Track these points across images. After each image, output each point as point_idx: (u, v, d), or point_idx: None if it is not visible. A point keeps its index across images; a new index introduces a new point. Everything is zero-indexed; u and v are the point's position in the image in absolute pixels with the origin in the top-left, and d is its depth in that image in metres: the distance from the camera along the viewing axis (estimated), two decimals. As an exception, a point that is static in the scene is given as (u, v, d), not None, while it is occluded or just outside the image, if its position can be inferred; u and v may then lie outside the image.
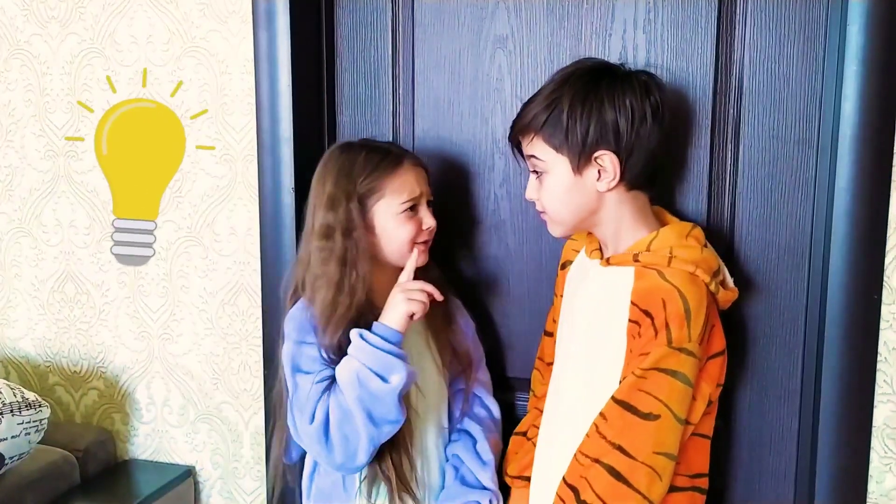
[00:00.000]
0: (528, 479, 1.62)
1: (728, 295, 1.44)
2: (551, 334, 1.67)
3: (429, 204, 1.61)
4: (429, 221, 1.58)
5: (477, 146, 1.79)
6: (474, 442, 1.66)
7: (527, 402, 1.78)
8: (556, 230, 1.49)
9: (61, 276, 2.06)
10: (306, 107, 1.83)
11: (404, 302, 1.48)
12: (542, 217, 1.50)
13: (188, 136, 1.90)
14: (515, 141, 1.51)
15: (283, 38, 1.77)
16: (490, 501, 1.61)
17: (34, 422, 1.73)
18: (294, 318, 1.56)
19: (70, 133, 1.99)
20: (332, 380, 1.50)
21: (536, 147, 1.44)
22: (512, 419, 1.77)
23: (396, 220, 1.55)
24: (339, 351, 1.50)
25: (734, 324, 1.64)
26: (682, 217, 1.56)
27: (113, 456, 2.05)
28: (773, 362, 1.66)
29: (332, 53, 1.86)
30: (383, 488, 1.56)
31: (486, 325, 1.83)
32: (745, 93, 1.62)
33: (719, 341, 1.42)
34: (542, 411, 1.61)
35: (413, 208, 1.56)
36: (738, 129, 1.63)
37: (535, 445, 1.62)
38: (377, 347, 1.44)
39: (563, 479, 1.40)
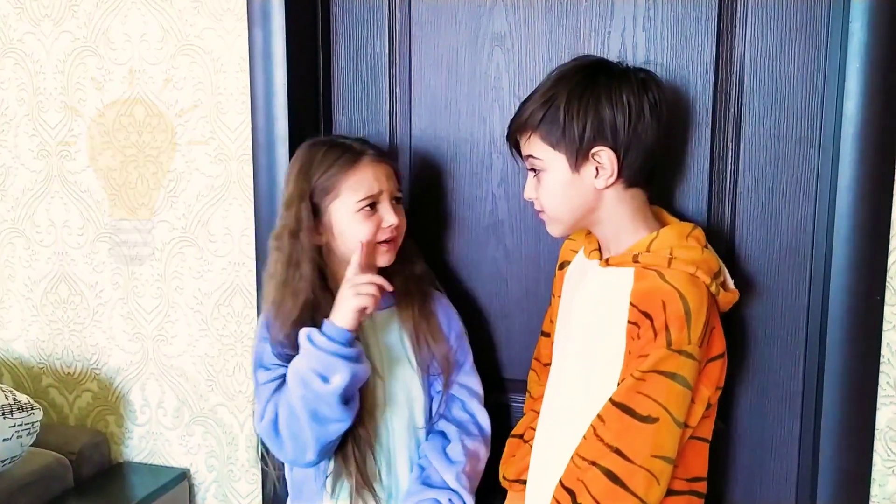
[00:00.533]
0: (525, 482, 1.60)
1: (729, 297, 1.42)
2: (548, 335, 1.65)
3: (397, 201, 1.57)
4: (390, 219, 1.53)
5: (475, 145, 1.77)
6: (446, 443, 1.62)
7: (523, 403, 1.75)
8: (554, 229, 1.47)
9: (55, 277, 2.04)
10: (302, 105, 1.81)
11: (353, 297, 1.45)
12: (540, 216, 1.48)
13: (182, 135, 1.88)
14: (513, 140, 1.49)
15: (278, 35, 1.75)
16: (450, 501, 1.56)
17: (26, 425, 1.71)
18: (263, 315, 1.57)
19: (63, 132, 1.97)
20: (283, 380, 1.49)
21: (534, 145, 1.42)
22: (509, 422, 1.75)
23: (354, 219, 1.52)
24: (295, 347, 1.49)
25: (735, 325, 1.62)
26: (683, 217, 1.54)
27: (107, 458, 2.03)
28: (774, 364, 1.64)
29: (328, 51, 1.84)
30: (347, 485, 1.54)
31: (484, 325, 1.81)
32: (745, 91, 1.60)
33: (719, 344, 1.39)
34: (538, 413, 1.59)
35: (373, 206, 1.53)
36: (739, 128, 1.61)
37: (531, 448, 1.60)
38: (319, 348, 1.42)
39: (560, 481, 1.38)
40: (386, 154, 1.60)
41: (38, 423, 1.76)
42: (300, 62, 1.80)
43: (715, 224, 1.64)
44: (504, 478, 1.68)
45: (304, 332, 1.45)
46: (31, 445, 1.77)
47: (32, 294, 2.07)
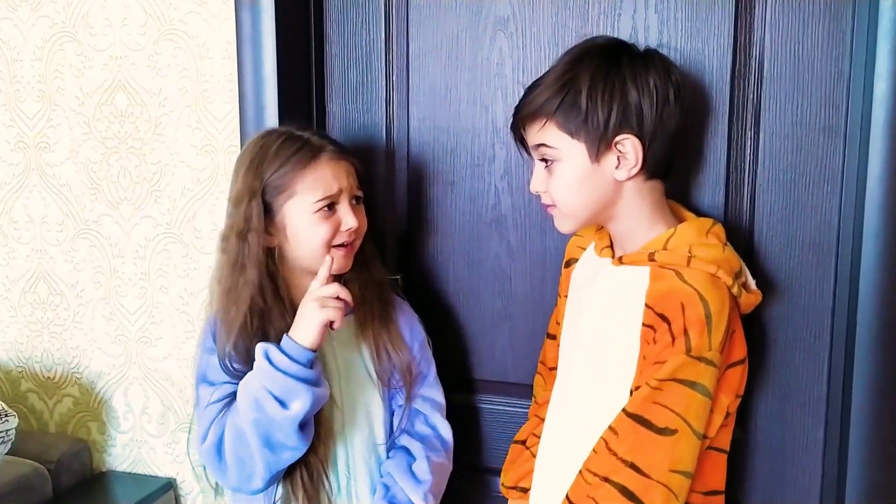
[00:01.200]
0: (524, 489, 1.55)
1: (751, 299, 1.34)
2: (554, 337, 1.58)
3: (357, 200, 1.49)
4: (349, 221, 1.45)
5: (476, 136, 1.70)
6: (411, 461, 1.55)
7: (528, 409, 1.69)
8: (566, 225, 1.38)
9: (33, 276, 1.99)
10: (293, 94, 1.75)
11: (318, 310, 1.35)
12: (548, 211, 1.40)
13: (167, 125, 1.82)
14: (519, 129, 1.40)
15: (267, 19, 1.69)
16: None
17: (0, 433, 1.64)
18: (206, 323, 1.49)
19: (42, 122, 1.91)
20: (231, 398, 1.41)
21: (548, 134, 1.33)
22: (513, 429, 1.69)
23: (309, 221, 1.43)
24: (244, 362, 1.41)
25: (754, 326, 1.54)
26: (698, 212, 1.46)
27: (88, 468, 1.98)
28: (796, 367, 1.56)
29: (321, 37, 1.78)
30: None
31: (486, 326, 1.75)
32: (765, 76, 1.52)
33: (740, 349, 1.32)
34: (542, 419, 1.53)
35: (331, 207, 1.44)
36: (759, 116, 1.53)
37: (533, 455, 1.54)
38: (279, 369, 1.33)
39: (567, 497, 1.31)
40: (347, 150, 1.51)
41: (13, 431, 1.70)
42: (291, 48, 1.73)
43: (732, 219, 1.56)
44: (503, 485, 1.63)
45: (261, 349, 1.36)
46: (7, 454, 1.72)
47: (10, 294, 2.02)
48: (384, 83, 1.76)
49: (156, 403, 1.94)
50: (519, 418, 1.71)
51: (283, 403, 1.32)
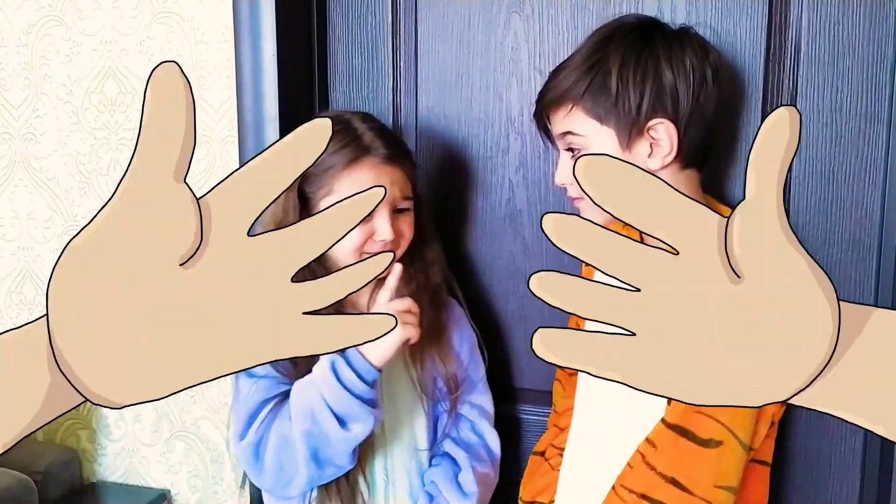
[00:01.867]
0: None
1: None
2: None
3: (402, 209, 1.40)
4: (384, 233, 1.35)
5: (489, 126, 1.64)
6: (457, 470, 1.48)
7: (544, 418, 1.62)
8: (595, 219, 1.28)
9: (19, 275, 1.91)
10: (294, 81, 1.68)
11: (398, 327, 1.27)
12: (575, 205, 1.32)
13: None
14: (542, 117, 1.32)
15: (266, 1, 1.62)
16: None
17: (-19, 443, 1.56)
18: None
19: (27, 112, 1.83)
20: (279, 398, 1.35)
21: (575, 120, 1.25)
22: (528, 439, 1.65)
23: None
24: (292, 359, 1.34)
25: None
26: (727, 206, 1.39)
27: (78, 478, 1.91)
28: None
29: (324, 19, 1.71)
30: None
31: (499, 328, 1.70)
32: (802, 60, 1.45)
33: None
34: (562, 429, 1.47)
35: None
36: (795, 102, 1.46)
37: (552, 468, 1.47)
38: (345, 386, 1.26)
39: (599, 514, 1.24)
40: (401, 153, 1.42)
41: (-3, 441, 1.60)
42: (292, 32, 1.67)
43: (766, 213, 1.48)
44: (521, 499, 1.55)
45: (326, 358, 1.29)
46: (-11, 465, 1.64)
47: (-5, 294, 1.95)
48: (391, 69, 1.70)
49: (149, 410, 1.88)
50: (535, 427, 1.66)
51: (343, 423, 1.27)
